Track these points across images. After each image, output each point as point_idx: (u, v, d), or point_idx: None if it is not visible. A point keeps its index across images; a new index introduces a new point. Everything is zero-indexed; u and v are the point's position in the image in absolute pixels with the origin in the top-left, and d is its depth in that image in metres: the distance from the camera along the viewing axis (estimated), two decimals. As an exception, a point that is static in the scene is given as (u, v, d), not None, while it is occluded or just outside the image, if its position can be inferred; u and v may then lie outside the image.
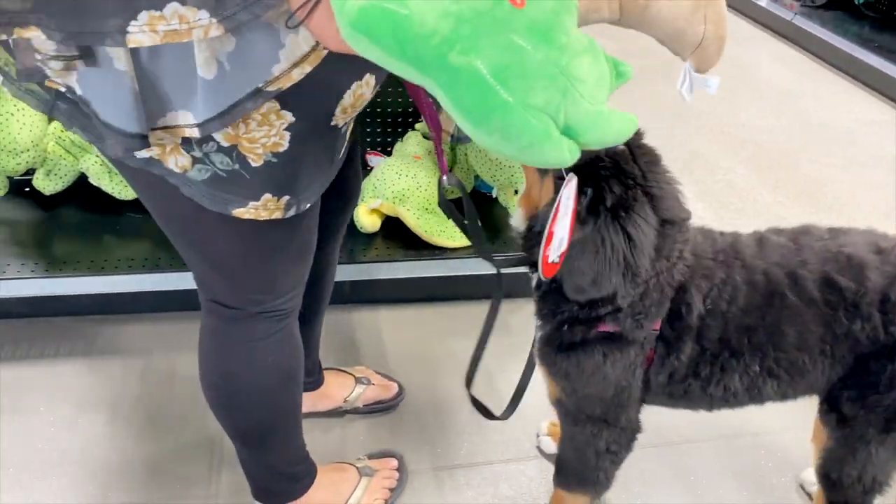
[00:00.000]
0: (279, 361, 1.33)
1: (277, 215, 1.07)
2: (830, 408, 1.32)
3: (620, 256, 1.12)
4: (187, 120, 0.92)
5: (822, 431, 1.38)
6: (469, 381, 1.48)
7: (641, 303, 1.21)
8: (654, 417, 1.46)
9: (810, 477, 1.68)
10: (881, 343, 1.21)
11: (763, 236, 1.30)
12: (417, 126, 2.46)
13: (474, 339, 2.14)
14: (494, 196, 2.37)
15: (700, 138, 3.41)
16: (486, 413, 1.52)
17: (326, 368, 1.88)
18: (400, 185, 2.16)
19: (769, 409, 1.41)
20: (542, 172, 1.19)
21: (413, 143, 2.37)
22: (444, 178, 1.22)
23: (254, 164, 1.00)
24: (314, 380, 1.83)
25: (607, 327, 1.25)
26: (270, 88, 0.90)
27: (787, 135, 3.50)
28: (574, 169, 1.07)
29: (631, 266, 1.13)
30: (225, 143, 0.97)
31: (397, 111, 2.50)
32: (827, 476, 1.41)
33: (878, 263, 1.21)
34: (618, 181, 1.12)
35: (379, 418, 1.90)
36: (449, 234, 2.19)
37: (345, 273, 2.15)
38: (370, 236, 2.22)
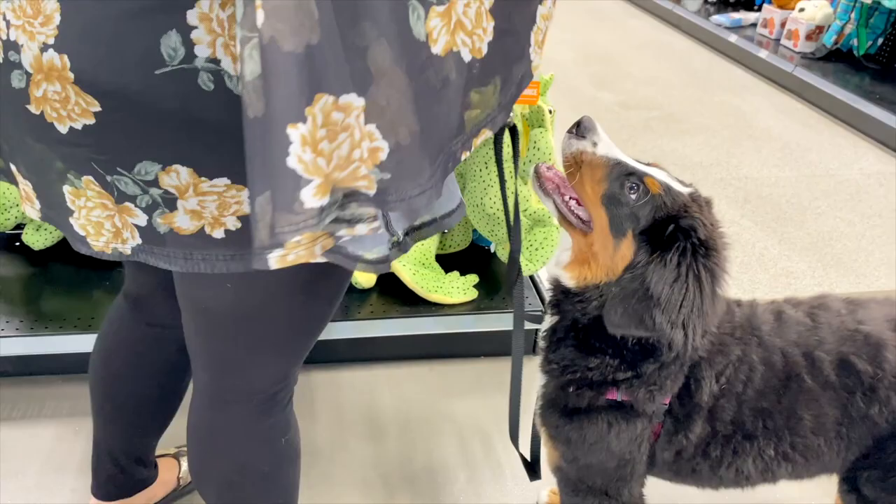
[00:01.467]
0: (291, 439, 1.25)
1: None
2: (850, 488, 1.26)
3: (698, 297, 1.06)
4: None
5: None
6: (513, 436, 1.39)
7: (659, 373, 1.15)
8: (661, 488, 1.39)
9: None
10: None
11: (780, 310, 1.26)
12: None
13: (471, 398, 2.08)
14: (493, 251, 2.32)
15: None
16: (530, 472, 1.45)
17: None
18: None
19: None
20: (618, 234, 1.12)
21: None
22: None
23: None
24: (152, 474, 1.65)
25: (615, 395, 1.18)
26: None
27: (793, 187, 3.46)
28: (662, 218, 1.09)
29: (703, 313, 1.08)
30: None
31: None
32: None
33: None
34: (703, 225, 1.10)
35: (373, 482, 1.82)
36: (446, 290, 2.13)
37: (340, 330, 2.09)
38: (365, 292, 2.16)
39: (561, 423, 1.26)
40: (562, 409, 1.25)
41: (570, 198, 1.18)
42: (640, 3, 6.69)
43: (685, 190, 1.15)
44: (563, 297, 1.19)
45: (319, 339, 2.12)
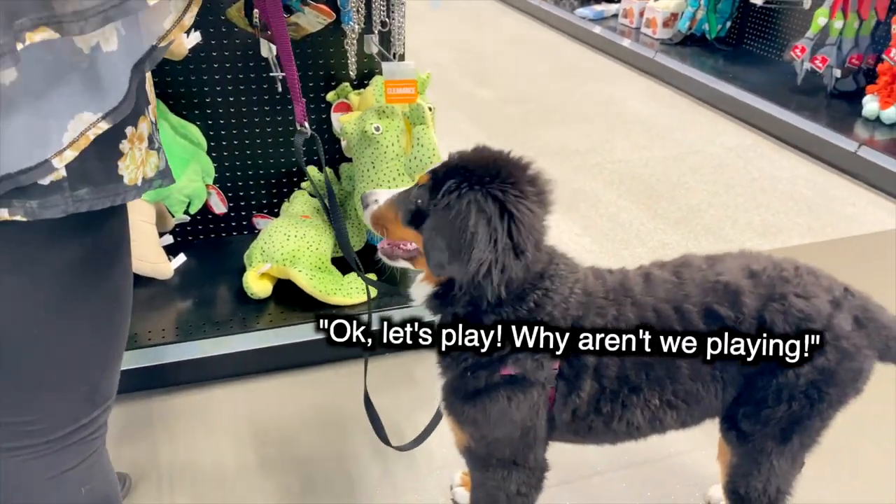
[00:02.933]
0: (96, 489, 1.14)
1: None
2: (730, 426, 1.38)
3: (494, 228, 1.14)
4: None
5: (726, 449, 1.43)
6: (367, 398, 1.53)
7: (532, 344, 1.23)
8: (564, 454, 1.47)
9: (717, 493, 1.73)
10: (765, 361, 1.26)
11: (649, 272, 1.36)
12: (304, 185, 2.43)
13: (381, 397, 2.10)
14: (388, 249, 2.36)
15: (582, 176, 3.54)
16: (383, 436, 1.55)
17: None
18: (289, 246, 2.12)
19: (676, 432, 1.44)
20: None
21: (300, 203, 2.34)
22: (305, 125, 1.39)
23: None
24: None
25: (510, 370, 1.26)
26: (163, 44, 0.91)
27: (662, 165, 3.69)
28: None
29: (517, 244, 1.16)
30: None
31: (281, 171, 2.47)
32: (735, 492, 1.45)
33: (751, 287, 1.29)
34: (501, 180, 1.19)
35: (291, 488, 1.82)
36: (345, 291, 2.15)
37: (239, 343, 2.07)
38: (262, 302, 2.16)
39: (465, 407, 1.33)
40: (463, 395, 1.32)
41: (399, 246, 1.32)
42: (511, 2, 6.90)
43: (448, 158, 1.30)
44: (436, 300, 1.29)
45: (219, 353, 2.11)
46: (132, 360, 2.00)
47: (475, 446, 1.38)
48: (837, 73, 4.02)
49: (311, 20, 1.82)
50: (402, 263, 1.35)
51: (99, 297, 1.06)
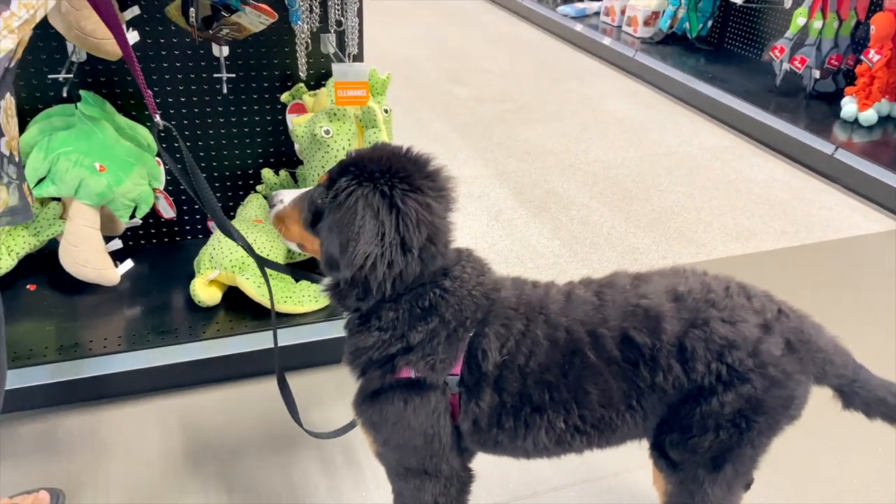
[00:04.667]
0: None
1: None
2: (659, 454, 1.31)
3: (381, 222, 1.13)
4: None
5: (659, 476, 1.37)
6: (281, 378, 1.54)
7: (430, 343, 1.20)
8: (519, 469, 1.41)
9: None
10: (686, 389, 1.21)
11: (571, 290, 1.30)
12: (259, 188, 2.36)
13: (332, 406, 2.05)
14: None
15: (555, 176, 3.48)
16: (297, 419, 1.54)
17: None
18: (238, 252, 2.05)
19: (627, 446, 1.39)
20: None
21: (254, 207, 2.27)
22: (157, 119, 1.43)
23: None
24: None
25: (407, 373, 1.23)
26: None
27: (637, 166, 3.63)
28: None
29: (404, 238, 1.14)
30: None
31: (236, 174, 2.40)
32: None
33: (673, 312, 1.22)
34: (390, 176, 1.17)
35: (233, 502, 1.76)
36: (296, 299, 2.09)
37: (185, 353, 2.01)
38: (210, 310, 2.09)
39: (364, 408, 1.31)
40: (363, 396, 1.30)
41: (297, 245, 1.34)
42: (493, -2, 6.84)
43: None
44: (337, 296, 1.26)
45: (164, 363, 2.04)
46: (73, 370, 1.93)
47: (384, 452, 1.35)
48: (816, 73, 3.97)
49: (253, 20, 1.75)
50: (294, 247, 1.36)
51: None
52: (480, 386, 1.23)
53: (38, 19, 0.96)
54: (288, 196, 1.33)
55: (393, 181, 1.15)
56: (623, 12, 5.31)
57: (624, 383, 1.22)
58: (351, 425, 1.52)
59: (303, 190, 1.31)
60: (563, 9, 5.80)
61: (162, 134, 1.50)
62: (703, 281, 1.27)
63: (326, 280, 1.28)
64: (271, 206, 1.35)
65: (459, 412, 1.26)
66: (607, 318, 1.23)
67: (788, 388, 1.21)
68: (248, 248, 1.52)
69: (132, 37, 1.93)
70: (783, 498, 1.82)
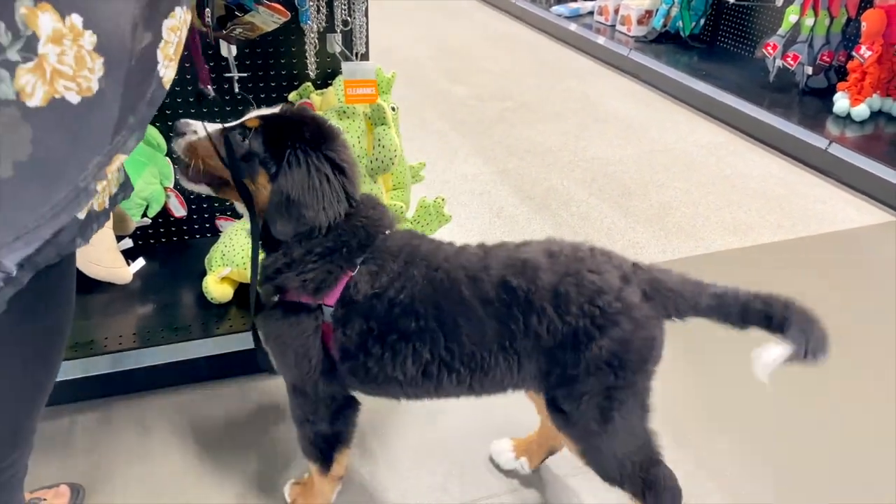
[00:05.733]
0: None
1: None
2: (553, 409, 1.41)
3: (325, 182, 1.33)
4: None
5: (564, 437, 1.47)
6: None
7: (312, 268, 1.35)
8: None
9: (497, 447, 1.87)
10: (562, 334, 1.31)
11: (463, 246, 1.44)
12: (267, 187, 2.39)
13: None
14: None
15: (554, 174, 3.53)
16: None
17: None
18: (249, 249, 2.08)
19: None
20: (252, 174, 1.36)
21: (263, 206, 2.30)
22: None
23: None
24: None
25: (293, 297, 1.38)
26: None
27: (635, 163, 3.69)
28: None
29: (335, 190, 1.35)
30: None
31: (244, 174, 2.43)
32: (604, 477, 1.48)
33: (549, 265, 1.33)
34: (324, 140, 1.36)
35: (246, 494, 1.78)
36: (307, 295, 2.12)
37: (199, 349, 2.04)
38: (223, 307, 2.12)
39: (262, 320, 1.47)
40: (261, 310, 1.46)
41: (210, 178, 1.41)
42: (489, 0, 6.88)
43: (277, 109, 1.42)
44: (262, 230, 1.41)
45: (177, 359, 2.07)
46: (88, 367, 1.96)
47: (277, 367, 1.51)
48: (809, 70, 4.04)
49: (266, 19, 1.78)
50: (204, 189, 1.44)
51: (37, 335, 1.03)
52: (350, 316, 1.36)
53: (183, 41, 0.98)
54: (201, 129, 1.38)
55: (330, 145, 1.35)
56: (616, 11, 5.36)
57: (497, 324, 1.32)
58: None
59: (214, 125, 1.39)
60: (556, 9, 5.86)
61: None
62: (572, 245, 1.40)
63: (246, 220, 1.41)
64: (180, 134, 1.39)
65: (331, 340, 1.39)
66: (489, 267, 1.35)
67: (650, 330, 1.33)
68: None
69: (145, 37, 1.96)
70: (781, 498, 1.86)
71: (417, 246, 1.41)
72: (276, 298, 1.42)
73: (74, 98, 0.85)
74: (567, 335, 1.30)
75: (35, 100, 0.82)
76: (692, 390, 2.16)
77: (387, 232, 1.43)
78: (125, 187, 1.10)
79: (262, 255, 1.44)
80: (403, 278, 1.35)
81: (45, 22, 0.81)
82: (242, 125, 1.36)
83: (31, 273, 0.93)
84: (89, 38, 0.85)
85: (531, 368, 1.35)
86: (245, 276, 2.10)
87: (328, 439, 1.55)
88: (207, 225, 2.47)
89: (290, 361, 1.44)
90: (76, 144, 0.87)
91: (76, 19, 0.83)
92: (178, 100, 2.25)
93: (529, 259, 1.34)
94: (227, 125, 1.38)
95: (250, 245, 2.10)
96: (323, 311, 1.38)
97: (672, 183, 3.49)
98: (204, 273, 2.16)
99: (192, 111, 2.27)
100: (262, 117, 1.36)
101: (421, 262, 1.37)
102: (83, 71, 0.85)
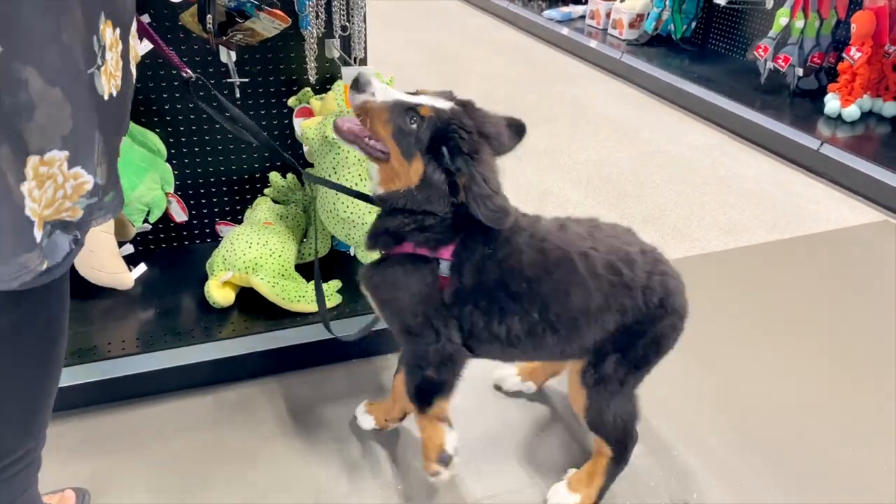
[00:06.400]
0: None
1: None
2: (593, 371, 1.60)
3: (496, 179, 1.48)
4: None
5: (580, 393, 1.64)
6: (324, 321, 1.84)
7: (434, 229, 1.49)
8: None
9: (501, 373, 2.10)
10: (640, 316, 1.54)
11: (564, 223, 1.59)
12: (267, 191, 2.41)
13: (346, 402, 2.09)
14: (353, 254, 2.35)
15: (550, 176, 3.55)
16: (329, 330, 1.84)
17: None
18: (251, 253, 2.09)
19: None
20: (408, 156, 1.45)
21: (263, 210, 2.31)
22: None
23: None
24: None
25: (408, 248, 1.52)
26: None
27: (629, 165, 3.71)
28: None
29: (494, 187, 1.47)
30: None
31: (244, 178, 2.44)
32: (595, 427, 1.69)
33: (642, 260, 1.55)
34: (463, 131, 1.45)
35: (254, 500, 1.79)
36: (309, 298, 2.13)
37: (202, 353, 2.04)
38: (225, 311, 2.13)
39: (371, 273, 1.60)
40: (373, 264, 1.60)
41: (368, 139, 1.49)
42: (478, 3, 6.92)
43: (447, 105, 1.48)
44: (381, 201, 1.55)
45: (180, 364, 2.08)
46: (91, 372, 1.97)
47: (383, 313, 1.62)
48: (800, 71, 4.08)
49: (267, 25, 1.79)
50: (357, 149, 1.51)
51: (42, 324, 1.05)
52: (463, 267, 1.50)
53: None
54: (380, 92, 1.46)
55: (488, 140, 1.51)
56: (608, 15, 5.40)
57: (601, 298, 1.51)
58: (373, 323, 1.87)
59: (396, 92, 1.46)
60: (548, 13, 5.89)
61: (196, 82, 1.64)
62: (650, 246, 1.62)
63: (377, 190, 1.54)
64: (360, 90, 1.46)
65: (445, 289, 1.52)
66: (597, 248, 1.53)
67: (683, 326, 1.61)
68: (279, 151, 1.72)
69: (143, 46, 1.97)
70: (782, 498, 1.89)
71: (525, 223, 1.55)
72: (382, 253, 1.58)
73: (115, 92, 1.03)
74: (642, 318, 1.53)
75: (106, 94, 1.01)
76: (696, 387, 2.18)
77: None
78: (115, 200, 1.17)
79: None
80: (510, 245, 1.50)
81: (108, 34, 1.00)
82: (415, 109, 1.44)
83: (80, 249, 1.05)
84: (121, 46, 1.04)
85: (600, 336, 1.55)
86: (245, 280, 2.11)
87: (434, 385, 1.62)
88: (208, 230, 2.48)
89: (408, 304, 1.54)
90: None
91: (117, 31, 1.03)
92: (165, 95, 2.26)
93: (630, 252, 1.54)
94: (401, 100, 1.46)
95: (263, 245, 2.12)
96: (440, 264, 1.51)
97: (667, 184, 3.52)
98: (205, 278, 2.17)
99: (191, 104, 2.29)
100: (434, 109, 1.45)
101: (524, 232, 1.51)
102: (118, 71, 1.04)
